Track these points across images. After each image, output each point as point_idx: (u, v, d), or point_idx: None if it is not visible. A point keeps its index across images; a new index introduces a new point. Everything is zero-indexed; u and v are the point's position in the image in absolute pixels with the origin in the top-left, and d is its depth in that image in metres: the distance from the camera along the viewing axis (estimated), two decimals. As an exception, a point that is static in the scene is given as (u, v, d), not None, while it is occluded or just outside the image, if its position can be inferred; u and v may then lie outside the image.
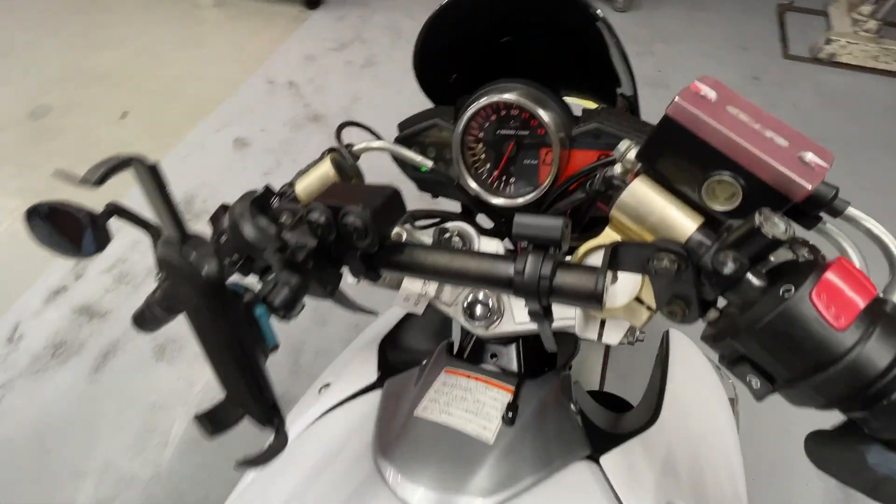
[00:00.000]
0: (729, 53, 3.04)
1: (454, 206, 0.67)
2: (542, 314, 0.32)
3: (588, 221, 0.57)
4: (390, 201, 0.36)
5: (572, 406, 0.54)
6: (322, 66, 2.98)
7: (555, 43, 0.56)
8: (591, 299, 0.30)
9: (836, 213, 0.32)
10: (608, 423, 0.57)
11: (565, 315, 0.47)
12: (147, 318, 0.64)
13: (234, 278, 0.32)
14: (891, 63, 2.85)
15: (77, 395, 1.62)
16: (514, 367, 0.58)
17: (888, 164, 2.36)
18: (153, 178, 0.28)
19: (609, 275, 0.36)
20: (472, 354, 0.61)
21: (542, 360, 0.60)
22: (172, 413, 1.60)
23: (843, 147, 2.44)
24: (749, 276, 0.29)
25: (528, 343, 0.58)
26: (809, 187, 0.27)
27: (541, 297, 0.31)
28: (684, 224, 0.32)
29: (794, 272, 0.28)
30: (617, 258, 0.31)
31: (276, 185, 2.16)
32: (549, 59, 0.59)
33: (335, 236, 0.37)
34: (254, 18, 3.42)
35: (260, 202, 0.51)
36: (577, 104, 0.63)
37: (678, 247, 0.29)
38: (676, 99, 0.30)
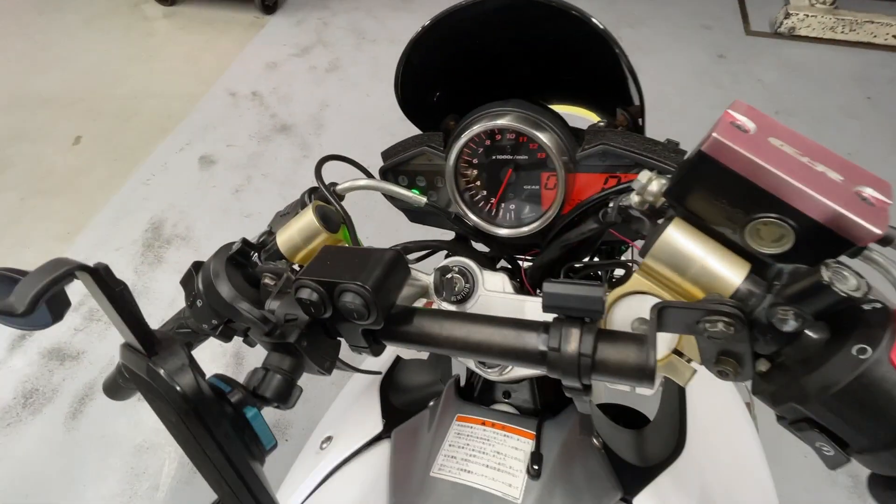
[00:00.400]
0: (693, 33, 3.06)
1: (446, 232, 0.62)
2: (582, 390, 0.29)
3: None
4: (392, 268, 0.31)
5: (595, 441, 0.51)
6: (285, 74, 2.88)
7: (545, 54, 0.52)
8: (642, 377, 0.26)
9: (887, 241, 0.29)
10: (633, 451, 0.54)
11: None
12: (119, 387, 0.57)
13: (214, 365, 0.27)
14: (847, 33, 2.91)
15: (56, 445, 1.52)
16: (530, 405, 0.54)
17: (855, 131, 2.42)
18: (103, 284, 0.23)
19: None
20: (484, 393, 0.57)
21: (558, 389, 0.57)
22: (161, 454, 1.52)
23: (810, 119, 2.49)
24: (807, 329, 0.26)
25: (542, 377, 0.54)
26: (879, 232, 0.24)
27: (581, 375, 0.27)
28: (729, 274, 0.28)
29: (862, 324, 0.25)
30: (663, 321, 0.27)
31: (252, 207, 2.04)
32: (538, 71, 0.55)
33: (331, 313, 0.32)
34: (207, 28, 3.26)
35: (236, 259, 0.46)
36: (569, 113, 0.59)
37: (734, 308, 0.25)
38: (714, 134, 0.27)
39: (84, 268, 0.22)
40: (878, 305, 0.25)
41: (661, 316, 0.27)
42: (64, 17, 3.36)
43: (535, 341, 0.29)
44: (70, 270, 0.21)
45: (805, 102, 2.58)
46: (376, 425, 0.58)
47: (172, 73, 2.92)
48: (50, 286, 0.21)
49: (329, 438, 0.61)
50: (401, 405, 0.63)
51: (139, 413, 1.58)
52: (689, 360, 0.33)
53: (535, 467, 0.44)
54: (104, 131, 2.55)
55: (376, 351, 0.35)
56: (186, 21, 3.35)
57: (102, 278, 0.23)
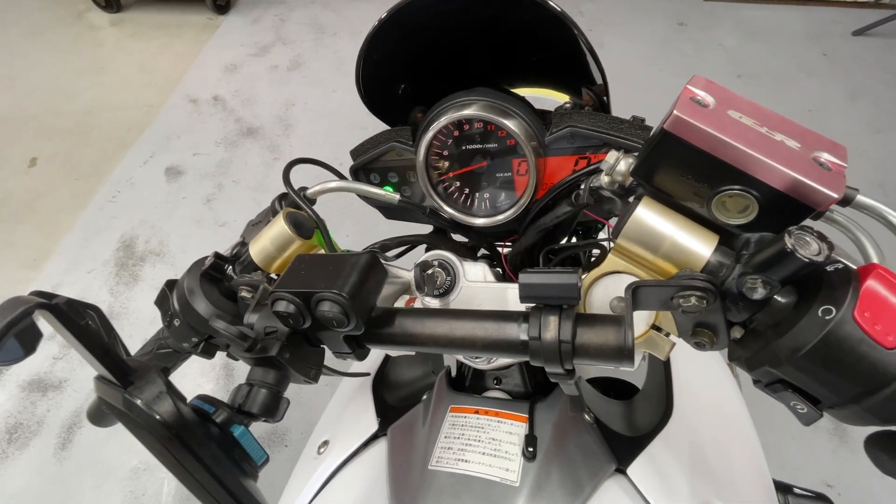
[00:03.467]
0: (653, 3, 3.08)
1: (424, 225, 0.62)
2: (566, 375, 0.29)
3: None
4: (368, 272, 0.31)
5: (586, 416, 0.52)
6: (246, 75, 2.80)
7: (507, 39, 0.51)
8: (622, 357, 0.27)
9: (846, 202, 0.30)
10: (624, 422, 0.55)
11: None
12: (103, 414, 0.56)
13: (197, 388, 0.27)
14: (801, -9, 2.97)
15: (48, 478, 1.49)
16: (521, 389, 0.55)
17: (814, 88, 2.48)
18: (65, 319, 0.22)
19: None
20: (475, 382, 0.58)
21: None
22: (159, 474, 1.50)
23: (772, 80, 2.54)
24: (776, 295, 0.27)
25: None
26: (836, 196, 0.25)
27: (563, 361, 0.28)
28: (699, 248, 0.29)
29: (826, 286, 0.26)
30: (638, 299, 0.27)
31: (227, 216, 1.99)
32: (502, 55, 0.55)
33: (310, 323, 0.31)
34: (158, 33, 3.14)
35: (211, 274, 0.45)
36: (536, 96, 0.59)
37: (705, 282, 0.26)
38: (675, 112, 0.27)
39: (44, 305, 0.21)
40: (840, 266, 0.26)
41: (636, 295, 0.27)
42: (3, 32, 3.19)
43: (516, 331, 0.30)
44: (28, 310, 0.20)
45: (766, 64, 2.64)
46: (371, 425, 0.58)
47: (127, 84, 2.81)
48: (8, 328, 0.20)
49: (326, 443, 0.60)
50: (394, 402, 0.63)
51: (131, 436, 1.55)
52: (667, 334, 0.33)
53: (531, 449, 0.45)
54: (61, 150, 2.44)
55: (360, 356, 0.35)
56: (136, 27, 3.21)
57: (65, 313, 0.22)
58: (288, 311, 0.30)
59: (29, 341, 0.36)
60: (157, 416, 0.23)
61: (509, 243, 0.59)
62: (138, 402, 0.23)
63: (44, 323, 0.32)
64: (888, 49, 2.66)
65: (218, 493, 0.27)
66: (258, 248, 0.45)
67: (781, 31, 2.83)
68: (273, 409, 0.32)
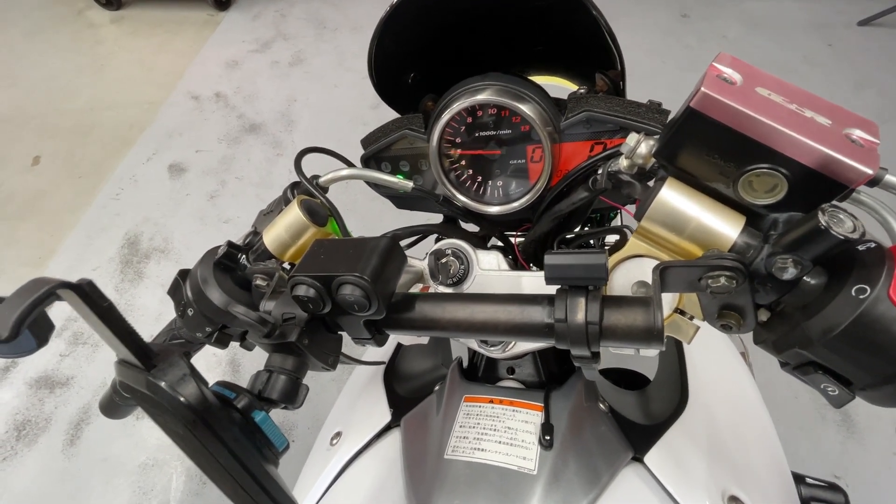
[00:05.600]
0: (655, -6, 3.06)
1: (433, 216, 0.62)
2: (591, 358, 0.29)
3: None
4: (388, 256, 0.31)
5: (601, 406, 0.52)
6: (247, 71, 2.79)
7: (519, 25, 0.51)
8: (651, 338, 0.26)
9: (875, 182, 0.30)
10: (639, 411, 0.55)
11: None
12: (116, 405, 0.56)
13: (218, 377, 0.26)
14: (805, -19, 2.94)
15: (56, 474, 1.49)
16: (535, 378, 0.55)
17: (819, 78, 2.46)
18: (89, 300, 0.22)
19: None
20: (488, 371, 0.57)
21: (561, 359, 0.57)
22: (167, 469, 1.50)
23: (777, 71, 2.49)
24: (806, 275, 0.26)
25: (544, 350, 0.55)
26: (871, 172, 0.24)
27: (590, 343, 0.27)
28: (726, 229, 0.28)
29: (859, 265, 0.25)
30: (665, 280, 0.27)
31: (230, 212, 1.97)
32: (513, 42, 0.54)
33: (330, 308, 0.31)
34: (159, 30, 3.13)
35: (224, 263, 0.45)
36: (548, 84, 0.58)
37: (735, 261, 0.25)
38: (702, 89, 0.26)
39: (67, 285, 0.21)
40: (873, 245, 0.25)
41: (664, 276, 0.27)
42: (3, 31, 3.18)
43: (541, 314, 0.29)
44: (52, 289, 0.20)
45: (770, 55, 2.61)
46: (384, 416, 0.58)
47: (128, 81, 2.80)
48: (33, 307, 0.20)
49: (338, 434, 0.60)
50: (406, 393, 0.63)
51: (140, 432, 1.56)
52: (691, 318, 0.33)
53: (547, 438, 0.45)
54: (63, 148, 2.44)
55: (380, 341, 0.34)
56: (136, 25, 3.20)
57: (88, 294, 0.21)
58: (308, 295, 0.30)
59: (42, 332, 0.36)
60: (182, 399, 0.23)
61: (521, 233, 0.59)
62: (162, 384, 0.23)
63: (54, 316, 0.32)
64: (894, 39, 2.64)
65: (242, 478, 0.26)
66: (272, 236, 0.44)
67: (785, 21, 2.80)
68: (293, 395, 0.32)
